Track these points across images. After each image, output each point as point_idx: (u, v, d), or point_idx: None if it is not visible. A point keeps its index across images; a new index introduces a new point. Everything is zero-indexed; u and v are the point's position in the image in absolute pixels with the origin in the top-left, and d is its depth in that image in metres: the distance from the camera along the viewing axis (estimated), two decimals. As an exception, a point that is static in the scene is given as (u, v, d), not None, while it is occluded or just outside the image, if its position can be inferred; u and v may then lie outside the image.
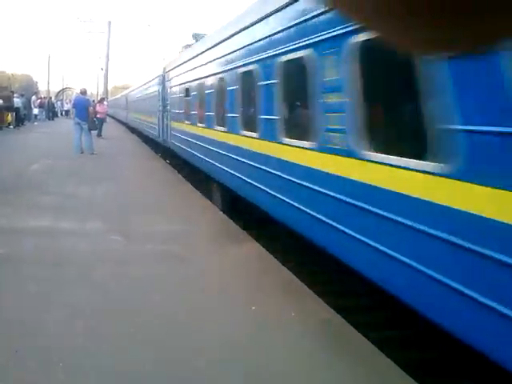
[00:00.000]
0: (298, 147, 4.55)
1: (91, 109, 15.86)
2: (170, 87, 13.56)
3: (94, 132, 16.93)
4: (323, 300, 4.02)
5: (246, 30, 6.19)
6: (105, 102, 23.33)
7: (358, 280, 3.85)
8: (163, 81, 15.02)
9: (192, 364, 2.96)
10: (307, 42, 4.25)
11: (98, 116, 19.73)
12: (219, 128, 7.76)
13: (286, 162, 4.85)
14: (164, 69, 15.27)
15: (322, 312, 3.80)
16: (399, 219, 3.02)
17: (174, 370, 2.89)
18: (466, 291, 2.52)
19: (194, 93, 10.02)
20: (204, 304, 3.87)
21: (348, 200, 3.72)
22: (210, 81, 8.55)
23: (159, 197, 8.38)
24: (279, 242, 6.32)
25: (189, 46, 13.09)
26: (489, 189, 2.38)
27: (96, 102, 21.68)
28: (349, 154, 3.70)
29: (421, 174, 2.86)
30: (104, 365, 2.89)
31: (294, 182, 4.64)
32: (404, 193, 3.01)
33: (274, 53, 5.11)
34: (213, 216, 7.08)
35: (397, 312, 3.51)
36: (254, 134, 6.02)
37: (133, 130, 27.02)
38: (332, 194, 3.97)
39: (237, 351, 3.15)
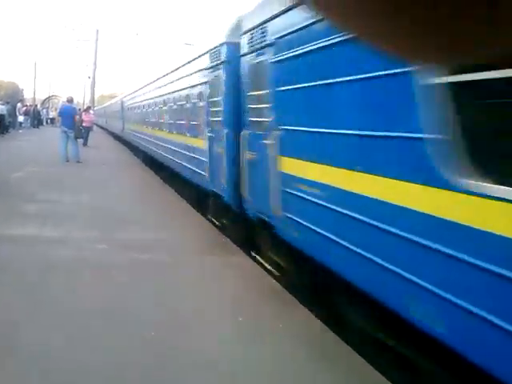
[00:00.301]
0: None
1: (77, 117, 15.77)
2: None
3: (80, 141, 16.82)
4: (310, 310, 4.02)
5: None
6: (91, 111, 23.23)
7: (347, 289, 3.85)
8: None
9: (180, 372, 2.93)
10: None
11: (85, 125, 19.62)
12: None
13: None
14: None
15: (310, 323, 3.80)
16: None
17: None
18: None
19: None
20: (192, 312, 3.85)
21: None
22: None
23: (146, 207, 8.32)
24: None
25: None
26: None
27: (82, 110, 21.58)
28: None
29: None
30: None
31: None
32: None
33: None
34: (198, 223, 7.04)
35: (385, 320, 3.51)
36: None
37: (124, 142, 24.36)
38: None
39: (224, 359, 3.13)
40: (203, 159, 7.43)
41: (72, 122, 14.37)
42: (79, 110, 20.50)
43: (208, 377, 2.93)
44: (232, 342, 3.41)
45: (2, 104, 25.58)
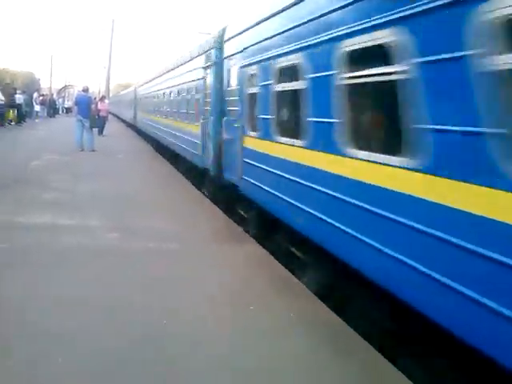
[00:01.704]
0: None
1: (93, 106, 15.83)
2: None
3: (95, 130, 16.95)
4: (321, 299, 4.01)
5: None
6: (106, 100, 23.34)
7: (357, 279, 3.84)
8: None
9: (194, 359, 2.95)
10: None
11: (101, 114, 19.75)
12: None
13: None
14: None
15: (321, 312, 3.79)
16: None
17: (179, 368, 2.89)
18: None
19: None
20: (204, 301, 3.87)
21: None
22: None
23: (162, 201, 8.39)
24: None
25: None
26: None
27: (97, 99, 21.67)
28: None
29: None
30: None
31: None
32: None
33: None
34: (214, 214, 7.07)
35: (395, 309, 3.49)
36: None
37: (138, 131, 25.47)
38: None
39: (236, 349, 3.14)
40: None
41: (87, 111, 14.49)
42: (94, 99, 20.63)
43: (219, 366, 2.95)
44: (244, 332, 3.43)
45: (20, 93, 25.82)
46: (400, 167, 3.05)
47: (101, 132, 19.47)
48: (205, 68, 8.77)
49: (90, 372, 2.77)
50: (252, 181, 5.94)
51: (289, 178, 4.73)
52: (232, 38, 7.11)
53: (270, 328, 3.47)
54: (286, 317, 3.65)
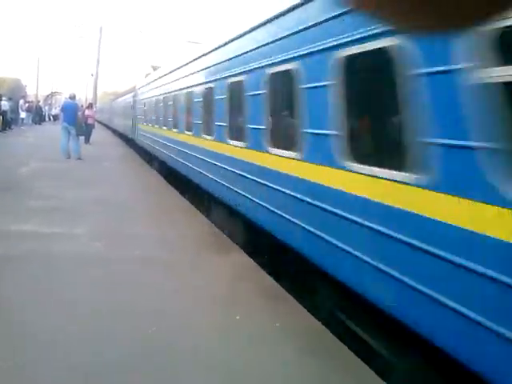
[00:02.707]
0: None
1: (80, 114, 15.74)
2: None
3: (82, 138, 16.85)
4: (306, 308, 4.04)
5: None
6: (93, 108, 23.26)
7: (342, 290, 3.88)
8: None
9: (182, 366, 2.95)
10: None
11: (89, 122, 19.63)
12: None
13: None
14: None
15: (306, 321, 3.82)
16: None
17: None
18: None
19: None
20: (189, 311, 3.88)
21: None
22: None
23: (147, 208, 8.38)
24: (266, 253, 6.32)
25: None
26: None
27: (85, 107, 21.58)
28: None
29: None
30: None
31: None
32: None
33: None
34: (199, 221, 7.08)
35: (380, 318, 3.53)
36: None
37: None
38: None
39: (221, 360, 3.15)
40: (129, 126, 21.65)
41: (74, 118, 14.40)
42: (81, 106, 20.51)
43: (207, 375, 2.96)
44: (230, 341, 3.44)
45: (5, 100, 25.59)
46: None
47: (87, 140, 19.37)
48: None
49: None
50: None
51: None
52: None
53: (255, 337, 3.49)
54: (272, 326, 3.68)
